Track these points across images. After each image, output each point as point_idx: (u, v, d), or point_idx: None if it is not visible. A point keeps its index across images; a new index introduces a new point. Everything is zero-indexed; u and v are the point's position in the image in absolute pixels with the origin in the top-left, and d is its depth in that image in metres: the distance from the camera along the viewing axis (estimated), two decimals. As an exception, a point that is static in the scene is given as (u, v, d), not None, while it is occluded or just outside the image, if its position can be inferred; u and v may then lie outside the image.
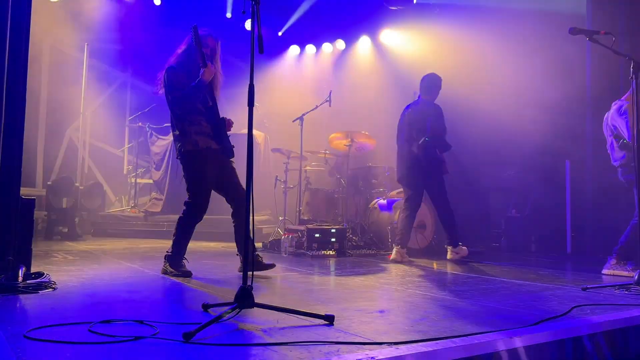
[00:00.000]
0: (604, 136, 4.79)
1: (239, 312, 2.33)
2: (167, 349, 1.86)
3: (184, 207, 3.92)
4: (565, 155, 6.75)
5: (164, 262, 3.90)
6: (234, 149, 3.97)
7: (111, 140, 9.62)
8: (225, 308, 2.32)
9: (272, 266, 4.03)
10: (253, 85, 2.29)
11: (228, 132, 3.98)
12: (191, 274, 3.81)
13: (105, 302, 2.78)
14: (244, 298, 2.30)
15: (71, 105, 8.51)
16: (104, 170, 9.50)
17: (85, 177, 8.66)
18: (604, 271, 4.48)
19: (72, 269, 4.06)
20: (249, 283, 2.34)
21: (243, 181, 3.09)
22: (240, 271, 3.94)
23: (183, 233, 3.90)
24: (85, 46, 8.13)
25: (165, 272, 3.85)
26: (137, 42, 8.53)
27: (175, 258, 3.86)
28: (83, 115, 8.37)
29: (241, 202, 3.93)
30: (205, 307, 2.56)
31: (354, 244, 6.17)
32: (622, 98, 4.68)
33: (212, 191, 3.95)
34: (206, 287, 3.42)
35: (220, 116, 3.93)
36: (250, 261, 3.87)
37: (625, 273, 4.28)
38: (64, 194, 7.36)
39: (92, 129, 9.21)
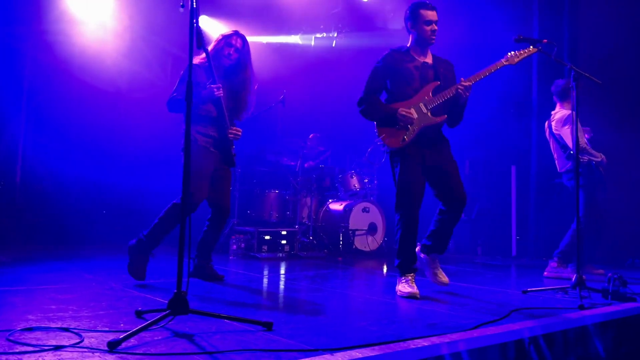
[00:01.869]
0: (548, 143, 4.93)
1: (172, 319, 2.22)
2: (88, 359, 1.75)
3: (177, 201, 3.58)
4: (511, 160, 6.93)
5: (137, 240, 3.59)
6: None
7: None
8: (160, 314, 2.21)
9: (221, 278, 3.84)
10: (191, 82, 2.20)
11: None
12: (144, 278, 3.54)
13: (30, 308, 2.61)
14: (179, 304, 2.20)
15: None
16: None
17: None
18: (546, 274, 4.59)
19: None
20: (184, 288, 2.24)
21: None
22: (191, 276, 3.80)
23: (166, 224, 3.55)
24: None
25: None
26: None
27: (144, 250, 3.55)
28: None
29: (223, 213, 3.76)
30: (139, 313, 2.45)
31: (305, 245, 6.11)
32: (560, 106, 4.82)
33: None
34: (147, 291, 3.28)
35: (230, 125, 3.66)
36: (199, 266, 3.78)
37: (565, 276, 4.40)
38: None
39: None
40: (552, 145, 4.85)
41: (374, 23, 8.00)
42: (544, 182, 6.48)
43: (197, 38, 2.12)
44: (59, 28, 7.32)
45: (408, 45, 3.54)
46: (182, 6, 2.16)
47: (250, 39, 3.81)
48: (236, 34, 3.69)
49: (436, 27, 3.42)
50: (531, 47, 3.44)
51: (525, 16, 6.84)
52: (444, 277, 3.58)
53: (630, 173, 6.10)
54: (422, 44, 3.47)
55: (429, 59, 3.52)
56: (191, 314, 2.23)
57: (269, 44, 8.09)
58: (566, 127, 4.60)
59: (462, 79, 3.38)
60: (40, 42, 7.22)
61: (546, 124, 4.89)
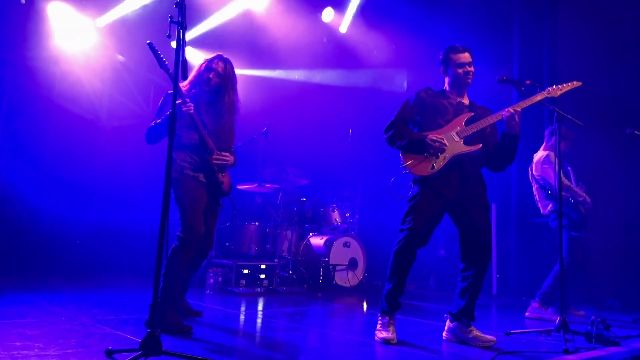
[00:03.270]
0: (528, 181, 4.97)
1: (145, 360, 2.11)
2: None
3: (176, 241, 3.29)
4: (491, 198, 6.94)
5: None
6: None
7: None
8: (132, 355, 2.10)
9: (199, 314, 3.70)
10: (175, 113, 2.15)
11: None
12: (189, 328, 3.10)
13: (-6, 346, 2.46)
14: (151, 344, 2.09)
15: None
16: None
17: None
18: (528, 314, 4.55)
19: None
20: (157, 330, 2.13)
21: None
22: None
23: (173, 273, 3.20)
24: None
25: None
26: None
27: (166, 307, 3.08)
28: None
29: (205, 246, 3.55)
30: (109, 353, 2.31)
31: (285, 280, 5.99)
32: (543, 148, 4.89)
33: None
34: (120, 327, 3.13)
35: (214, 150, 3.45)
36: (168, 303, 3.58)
37: (547, 317, 4.37)
38: None
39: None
40: (534, 188, 4.90)
41: (359, 60, 8.09)
42: (525, 220, 6.52)
43: (183, 69, 2.08)
44: (41, 54, 7.25)
45: (444, 87, 3.46)
46: (169, 36, 2.12)
47: (237, 71, 3.71)
48: (219, 57, 3.53)
49: (471, 69, 3.34)
50: (574, 81, 3.38)
51: (505, 52, 6.97)
52: (486, 336, 3.14)
53: (607, 212, 6.18)
54: (457, 86, 3.37)
55: (465, 101, 3.42)
56: (164, 355, 2.12)
57: (253, 76, 8.11)
58: (546, 166, 4.68)
59: (509, 108, 3.22)
60: (22, 67, 7.12)
61: (529, 167, 4.95)
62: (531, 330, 3.64)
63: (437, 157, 3.16)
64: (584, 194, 4.67)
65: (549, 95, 3.32)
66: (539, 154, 4.84)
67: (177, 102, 3.07)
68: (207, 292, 5.31)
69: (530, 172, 4.92)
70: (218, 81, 3.48)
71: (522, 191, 6.52)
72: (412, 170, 3.20)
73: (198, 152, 3.42)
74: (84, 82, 7.53)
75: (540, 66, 6.66)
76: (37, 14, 6.84)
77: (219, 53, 3.55)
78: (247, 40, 7.69)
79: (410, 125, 3.39)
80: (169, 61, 2.63)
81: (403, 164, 3.24)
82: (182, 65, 2.09)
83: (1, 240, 6.49)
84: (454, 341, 3.22)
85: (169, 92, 3.29)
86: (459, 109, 3.34)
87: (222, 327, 3.44)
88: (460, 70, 3.33)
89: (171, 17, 2.14)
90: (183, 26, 2.13)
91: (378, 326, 3.19)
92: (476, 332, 3.15)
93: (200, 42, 7.58)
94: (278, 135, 7.05)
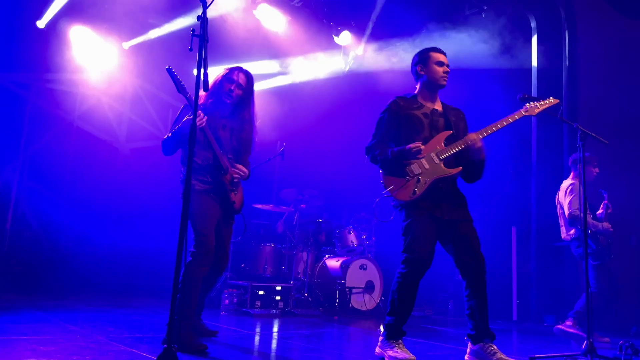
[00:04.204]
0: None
1: (160, 376, 2.06)
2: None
3: (190, 257, 3.25)
4: (511, 221, 6.84)
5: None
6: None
7: None
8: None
9: (214, 333, 3.62)
10: (196, 124, 2.14)
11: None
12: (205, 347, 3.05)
13: (9, 358, 2.43)
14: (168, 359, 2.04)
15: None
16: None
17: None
18: (559, 327, 4.53)
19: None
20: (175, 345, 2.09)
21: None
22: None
23: (189, 288, 3.16)
24: None
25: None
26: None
27: (183, 324, 3.09)
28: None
29: (220, 264, 3.49)
30: (124, 369, 2.27)
31: (300, 302, 5.91)
32: (571, 177, 4.86)
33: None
34: (134, 345, 3.09)
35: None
36: (188, 322, 3.54)
37: (575, 333, 4.37)
38: None
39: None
40: (558, 212, 4.91)
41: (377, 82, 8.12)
42: (546, 244, 6.38)
43: (204, 82, 2.08)
44: (62, 77, 7.41)
45: (415, 92, 3.36)
46: (190, 49, 2.14)
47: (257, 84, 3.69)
48: (239, 69, 3.48)
49: (448, 70, 3.29)
50: (551, 98, 3.31)
51: (523, 74, 6.93)
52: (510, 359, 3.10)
53: (629, 237, 6.03)
54: (431, 87, 3.30)
55: (438, 106, 3.34)
56: (181, 371, 2.07)
57: (271, 90, 8.14)
58: (568, 197, 4.69)
59: (470, 133, 3.19)
60: (43, 90, 7.27)
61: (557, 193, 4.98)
62: (557, 354, 3.51)
63: (419, 181, 3.13)
64: (601, 223, 4.61)
65: (526, 114, 3.27)
66: (567, 182, 4.87)
67: (191, 117, 2.97)
68: (222, 313, 5.25)
69: (557, 197, 4.94)
70: (240, 93, 3.44)
71: (543, 214, 6.41)
72: (394, 194, 3.17)
73: (211, 172, 3.38)
74: (103, 104, 7.66)
75: (560, 86, 6.60)
76: (59, 38, 7.00)
77: (238, 65, 3.52)
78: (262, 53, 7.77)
79: (391, 143, 3.30)
80: (187, 81, 2.63)
81: (385, 188, 3.20)
82: (204, 78, 2.09)
83: (19, 261, 6.54)
84: None
85: (186, 104, 3.27)
86: (435, 122, 3.28)
87: (238, 347, 3.38)
88: (439, 69, 3.27)
89: (193, 31, 2.16)
90: (205, 39, 2.14)
91: (391, 350, 3.07)
92: (500, 355, 3.04)
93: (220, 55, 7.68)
94: (295, 156, 7.07)
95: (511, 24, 6.98)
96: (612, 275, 4.68)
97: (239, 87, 3.43)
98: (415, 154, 3.13)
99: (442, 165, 3.16)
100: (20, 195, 6.94)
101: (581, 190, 3.45)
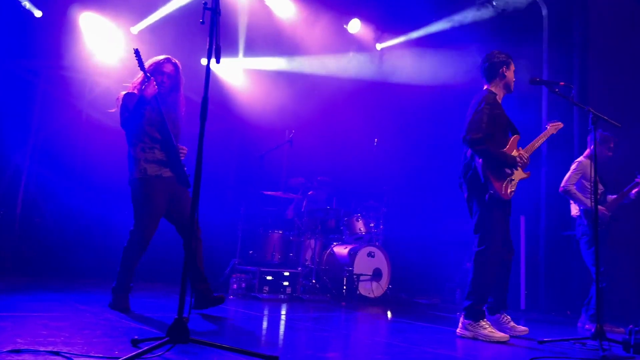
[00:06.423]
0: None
1: (172, 347, 2.07)
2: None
3: (129, 236, 3.71)
4: (520, 210, 6.80)
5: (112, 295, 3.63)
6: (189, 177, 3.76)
7: None
8: (157, 343, 2.06)
9: (221, 300, 3.71)
10: (207, 98, 2.14)
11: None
12: (129, 309, 3.54)
13: (20, 332, 2.45)
14: (178, 331, 2.05)
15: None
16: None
17: None
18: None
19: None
20: (185, 315, 2.10)
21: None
22: (193, 309, 3.67)
23: (127, 264, 3.66)
24: None
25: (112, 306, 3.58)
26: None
27: (118, 291, 3.62)
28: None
29: (191, 232, 3.65)
30: (135, 342, 2.29)
31: (308, 288, 5.92)
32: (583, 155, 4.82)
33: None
34: (144, 323, 3.11)
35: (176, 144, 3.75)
36: (193, 290, 3.63)
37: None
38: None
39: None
40: None
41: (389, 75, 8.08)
42: (554, 233, 6.35)
43: (216, 54, 2.09)
44: (72, 64, 7.42)
45: (492, 89, 3.58)
46: (202, 22, 2.14)
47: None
48: (167, 60, 3.79)
49: None
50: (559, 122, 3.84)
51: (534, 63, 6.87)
52: (520, 327, 3.67)
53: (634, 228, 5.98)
54: (507, 90, 3.64)
55: None
56: (192, 343, 2.08)
57: (279, 77, 8.10)
58: (569, 172, 4.67)
59: (520, 148, 3.57)
60: (54, 77, 7.30)
61: None
62: (566, 338, 3.50)
63: (512, 181, 3.54)
64: (601, 207, 4.59)
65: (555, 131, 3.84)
66: (577, 160, 4.82)
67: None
68: (231, 297, 5.27)
69: None
70: (169, 82, 3.79)
71: (552, 203, 6.37)
72: (500, 193, 3.47)
73: (166, 144, 3.68)
74: (112, 90, 7.67)
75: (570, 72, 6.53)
76: (69, 25, 7.02)
77: (167, 56, 3.84)
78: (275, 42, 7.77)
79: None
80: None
81: (492, 189, 3.46)
82: (216, 50, 2.09)
83: (30, 244, 6.60)
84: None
85: (128, 92, 3.75)
86: (509, 122, 3.62)
87: (247, 325, 3.40)
88: (514, 79, 3.62)
89: (205, 4, 2.16)
90: (217, 12, 2.14)
91: (484, 329, 3.31)
92: (513, 324, 3.66)
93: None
94: (303, 143, 7.05)
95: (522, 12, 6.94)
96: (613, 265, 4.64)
97: (169, 78, 3.78)
98: (517, 164, 3.52)
99: (521, 169, 3.59)
100: (31, 180, 6.99)
101: (592, 167, 3.50)
